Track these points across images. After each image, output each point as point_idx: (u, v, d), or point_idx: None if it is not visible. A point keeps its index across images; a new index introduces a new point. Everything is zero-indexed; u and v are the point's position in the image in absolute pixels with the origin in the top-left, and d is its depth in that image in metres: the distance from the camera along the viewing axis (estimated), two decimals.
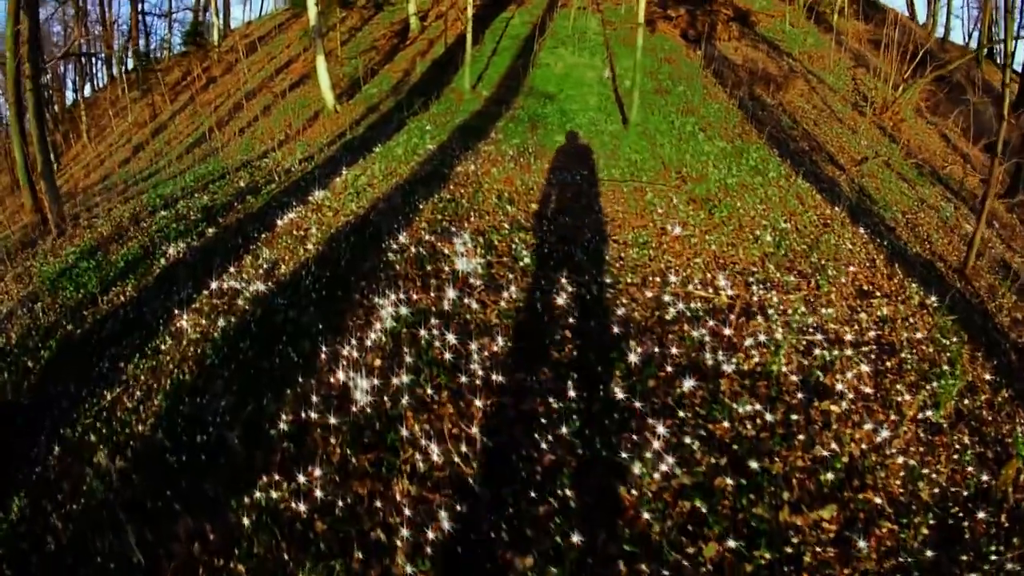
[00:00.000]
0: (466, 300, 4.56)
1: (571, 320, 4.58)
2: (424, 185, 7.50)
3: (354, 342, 4.17)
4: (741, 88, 13.70)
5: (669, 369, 4.17)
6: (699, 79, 13.97)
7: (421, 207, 6.65)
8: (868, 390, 4.26)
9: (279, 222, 7.06)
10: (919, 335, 5.27)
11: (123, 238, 8.17)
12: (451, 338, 4.03)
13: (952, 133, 18.28)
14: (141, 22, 43.26)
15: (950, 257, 8.63)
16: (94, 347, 4.91)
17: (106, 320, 5.37)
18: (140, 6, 42.00)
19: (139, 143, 24.74)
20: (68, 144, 33.21)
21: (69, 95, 40.07)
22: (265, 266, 5.86)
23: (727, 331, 4.69)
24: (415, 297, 4.61)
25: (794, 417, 3.79)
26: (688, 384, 3.85)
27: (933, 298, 6.05)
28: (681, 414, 3.72)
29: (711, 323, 4.77)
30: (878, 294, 6.07)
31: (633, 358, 4.09)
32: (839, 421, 3.87)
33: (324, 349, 4.12)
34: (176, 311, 5.04)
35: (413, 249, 5.22)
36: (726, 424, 3.64)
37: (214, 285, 5.36)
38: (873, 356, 4.73)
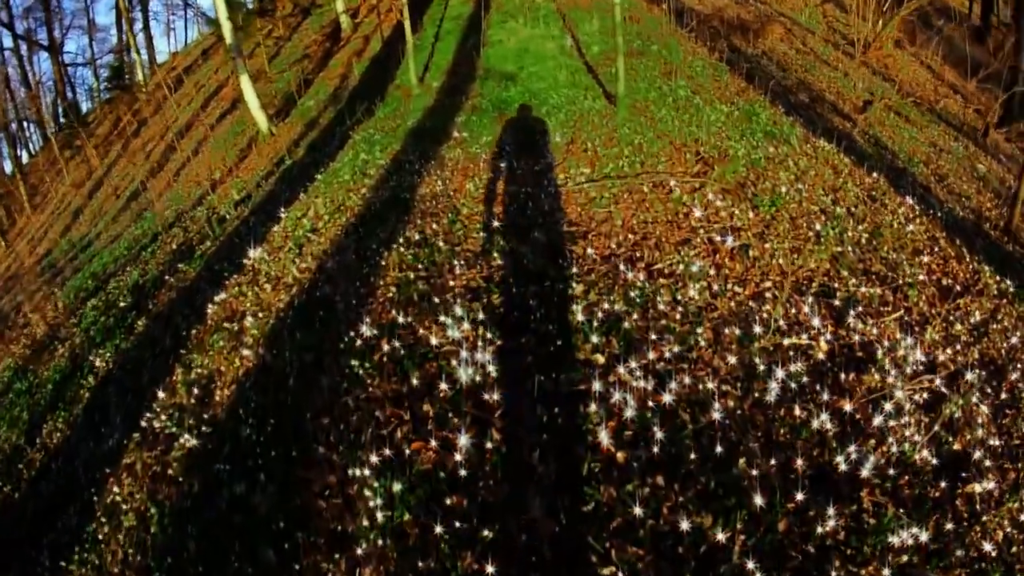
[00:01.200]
0: (488, 443, 2.89)
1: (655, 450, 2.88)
2: (382, 222, 5.70)
3: (336, 551, 2.51)
4: (718, 41, 12.01)
5: (799, 497, 2.57)
6: (673, 36, 12.22)
7: (383, 261, 4.81)
8: (995, 442, 3.14)
9: (210, 307, 5.33)
10: (1015, 339, 4.10)
11: (54, 342, 7.29)
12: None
13: (933, 63, 16.92)
14: (65, 75, 40.33)
15: (989, 212, 7.47)
16: (32, 523, 3.95)
17: (40, 478, 4.47)
18: (60, 58, 39.00)
19: (78, 207, 22.59)
20: (12, 218, 30.84)
21: (7, 165, 37.24)
22: (197, 390, 4.18)
23: (847, 405, 3.10)
24: (407, 450, 2.95)
25: (948, 527, 2.62)
26: (831, 520, 2.46)
27: (1008, 282, 4.83)
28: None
29: (824, 394, 3.16)
30: (958, 288, 4.68)
31: (758, 500, 2.47)
32: (984, 503, 2.81)
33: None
34: (107, 470, 3.98)
35: (385, 345, 3.42)
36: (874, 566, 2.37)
37: (144, 424, 4.06)
38: (987, 388, 3.57)
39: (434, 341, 3.47)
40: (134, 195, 17.43)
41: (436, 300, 3.92)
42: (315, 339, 3.94)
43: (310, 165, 9.03)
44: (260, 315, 4.68)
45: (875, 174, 6.68)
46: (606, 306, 3.79)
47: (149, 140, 22.81)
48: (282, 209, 7.05)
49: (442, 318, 3.55)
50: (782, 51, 12.99)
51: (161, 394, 4.22)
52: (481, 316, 3.67)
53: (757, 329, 3.50)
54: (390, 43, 14.38)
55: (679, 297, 4.03)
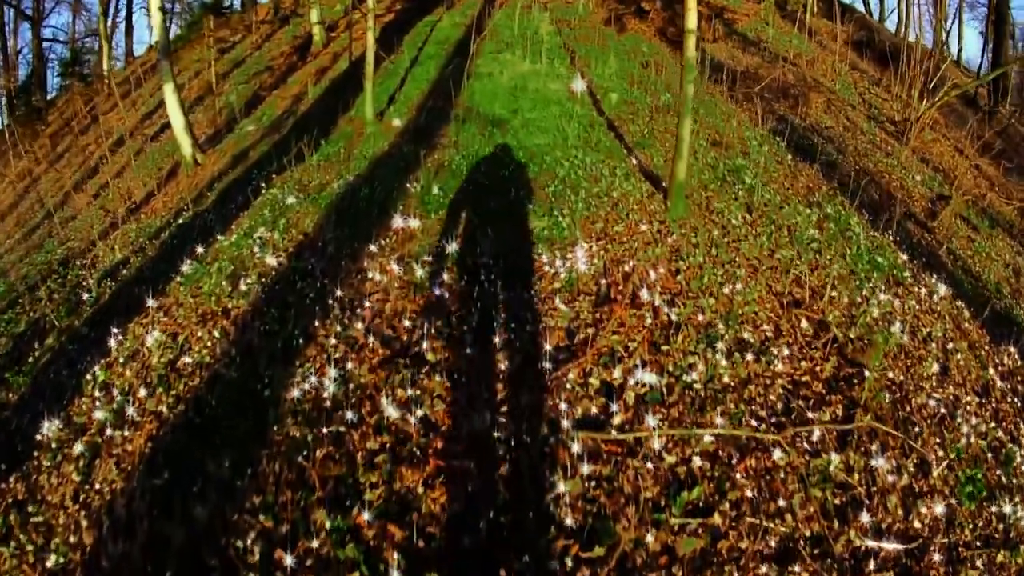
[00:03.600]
0: None
1: None
2: (213, 450, 2.94)
3: None
4: (756, 104, 9.58)
5: None
6: (709, 94, 9.72)
7: None
8: None
9: None
10: None
11: None
12: None
13: (966, 148, 14.87)
14: (41, 51, 36.85)
15: None
16: None
17: None
18: (39, 32, 35.53)
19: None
20: None
21: None
22: None
23: None
24: None
25: None
26: None
27: None
28: None
29: None
30: None
31: None
32: None
33: None
34: None
35: None
36: None
37: None
38: None
39: None
40: (53, 210, 14.39)
41: None
42: None
43: (201, 230, 6.17)
44: None
45: (968, 315, 4.13)
46: None
47: (93, 141, 19.76)
48: (115, 334, 4.20)
49: None
50: (827, 124, 10.55)
51: None
52: None
53: None
54: (359, 63, 11.69)
55: None
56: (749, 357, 3.51)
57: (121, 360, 4.07)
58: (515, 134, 7.50)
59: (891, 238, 5.86)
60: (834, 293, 4.34)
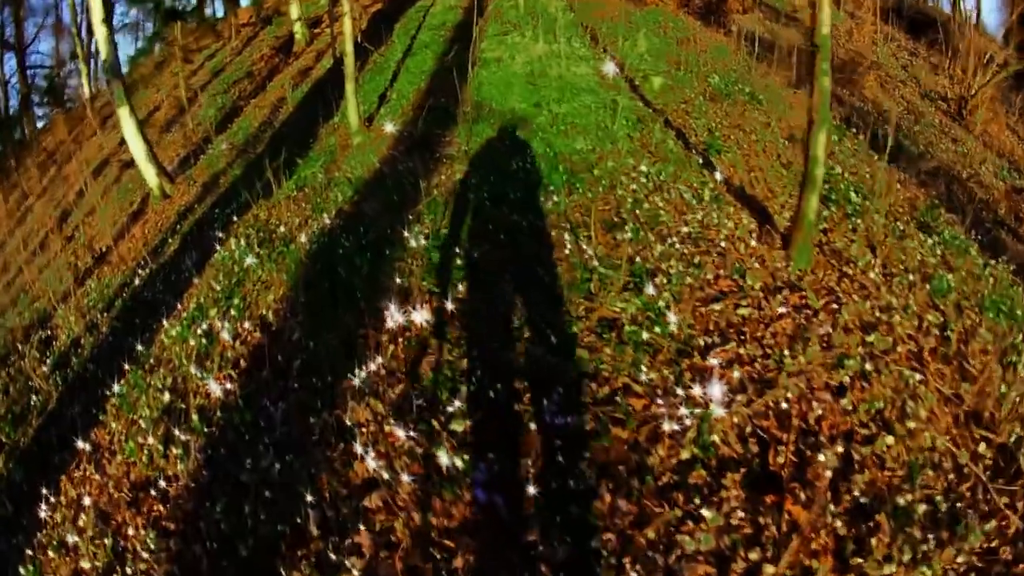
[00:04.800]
0: None
1: None
2: None
3: None
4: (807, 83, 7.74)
5: None
6: (759, 75, 7.87)
7: None
8: None
9: None
10: None
11: None
12: None
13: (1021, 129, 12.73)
14: (27, 79, 35.41)
15: None
16: None
17: None
18: (24, 60, 34.02)
19: None
20: None
21: None
22: None
23: None
24: None
25: None
26: None
27: None
28: None
29: None
30: None
31: None
32: None
33: None
34: None
35: None
36: None
37: None
38: None
39: None
40: (32, 254, 12.99)
41: None
42: None
43: (148, 309, 4.55)
44: None
45: None
46: None
47: (74, 172, 18.32)
48: (45, 496, 2.66)
49: None
50: (886, 105, 8.66)
51: None
52: None
53: None
54: (344, 61, 9.96)
55: None
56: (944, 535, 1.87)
57: (51, 552, 2.55)
58: (544, 135, 5.74)
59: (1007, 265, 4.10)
60: (1002, 386, 2.65)
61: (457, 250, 3.71)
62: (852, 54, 11.40)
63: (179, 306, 4.18)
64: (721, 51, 8.69)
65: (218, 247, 4.67)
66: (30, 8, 31.39)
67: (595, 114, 5.81)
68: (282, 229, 4.53)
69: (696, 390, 2.38)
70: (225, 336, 3.23)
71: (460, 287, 3.25)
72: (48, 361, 5.01)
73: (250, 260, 4.04)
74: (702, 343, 2.75)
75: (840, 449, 2.26)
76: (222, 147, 8.96)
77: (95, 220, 11.04)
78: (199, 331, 3.47)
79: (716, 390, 2.32)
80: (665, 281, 3.14)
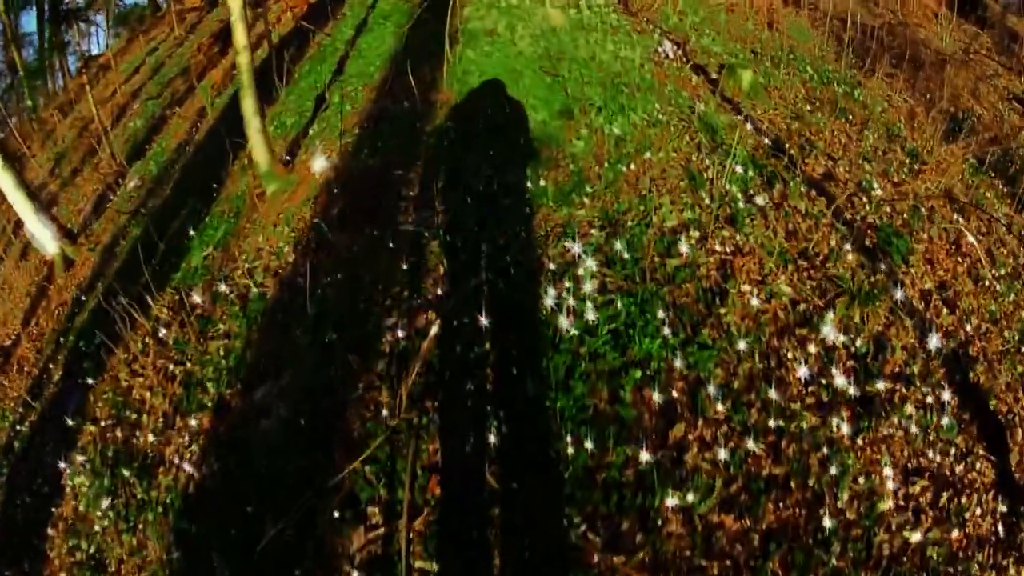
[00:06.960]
0: None
1: None
2: None
3: None
4: (899, 80, 5.20)
5: None
6: (851, 67, 5.32)
7: None
8: None
9: None
10: None
11: None
12: None
13: None
14: None
15: None
16: None
17: None
18: None
19: None
20: None
21: None
22: None
23: None
24: None
25: None
26: None
27: None
28: None
29: None
30: None
31: None
32: None
33: None
34: None
35: None
36: None
37: None
38: None
39: None
40: None
41: None
42: None
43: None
44: None
45: None
46: None
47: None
48: None
49: None
50: (978, 111, 6.06)
51: None
52: None
53: None
54: (284, 47, 7.40)
55: None
56: None
57: None
58: (592, 192, 3.31)
59: None
60: None
61: None
62: (915, 31, 8.49)
63: None
64: (800, 34, 6.07)
65: (66, 470, 2.49)
66: None
67: (673, 139, 3.35)
68: (140, 441, 2.32)
69: None
70: None
71: None
72: None
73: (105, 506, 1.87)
74: None
75: None
76: (131, 184, 6.61)
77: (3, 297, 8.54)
78: None
79: None
80: None
